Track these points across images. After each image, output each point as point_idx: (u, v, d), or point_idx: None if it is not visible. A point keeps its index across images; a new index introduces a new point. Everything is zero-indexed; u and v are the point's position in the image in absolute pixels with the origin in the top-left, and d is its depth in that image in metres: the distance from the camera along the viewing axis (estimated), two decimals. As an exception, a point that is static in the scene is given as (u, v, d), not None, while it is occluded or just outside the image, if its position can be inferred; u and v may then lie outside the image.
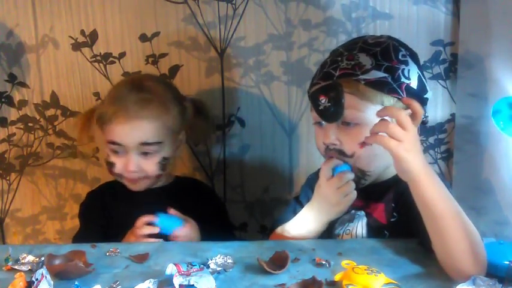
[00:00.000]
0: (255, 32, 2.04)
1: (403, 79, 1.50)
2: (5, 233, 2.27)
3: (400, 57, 1.52)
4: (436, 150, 2.05)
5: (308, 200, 1.66)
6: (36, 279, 1.23)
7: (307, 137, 2.08)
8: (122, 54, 2.08)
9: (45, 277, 1.24)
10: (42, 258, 1.40)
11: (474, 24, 1.87)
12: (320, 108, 1.53)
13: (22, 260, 1.44)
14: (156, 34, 2.06)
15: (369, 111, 1.49)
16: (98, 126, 1.84)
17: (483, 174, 1.93)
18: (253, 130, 2.11)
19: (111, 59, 2.09)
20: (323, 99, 1.51)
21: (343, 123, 1.53)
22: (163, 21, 2.05)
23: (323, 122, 1.56)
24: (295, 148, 2.11)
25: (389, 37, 1.60)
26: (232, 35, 2.04)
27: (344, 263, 1.35)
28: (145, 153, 1.78)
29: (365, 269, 1.27)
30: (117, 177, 1.85)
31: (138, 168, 1.78)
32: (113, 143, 1.78)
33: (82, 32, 2.07)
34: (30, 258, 1.44)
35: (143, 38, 2.06)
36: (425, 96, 1.56)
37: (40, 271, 1.25)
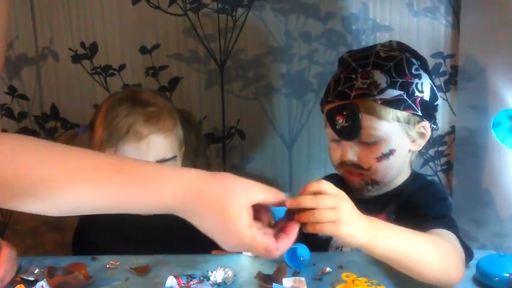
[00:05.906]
0: (255, 44, 2.04)
1: (417, 93, 1.51)
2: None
3: (413, 71, 1.53)
4: (436, 162, 2.05)
5: None
6: (36, 292, 1.24)
7: (308, 149, 2.08)
8: (122, 67, 2.08)
9: (45, 289, 1.24)
10: (42, 271, 1.40)
11: (474, 36, 1.88)
12: (337, 127, 1.53)
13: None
14: (156, 46, 2.06)
15: (385, 128, 1.50)
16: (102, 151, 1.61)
17: (483, 186, 1.93)
18: (253, 142, 2.11)
19: (111, 71, 2.09)
20: (340, 119, 1.52)
21: (360, 141, 1.53)
22: (163, 34, 2.05)
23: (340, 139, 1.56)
24: (295, 160, 2.11)
25: (400, 46, 1.60)
26: (232, 47, 2.04)
27: (344, 275, 1.34)
28: None
29: (365, 281, 1.26)
30: None
31: None
32: None
33: (82, 44, 2.07)
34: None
35: (143, 50, 2.06)
36: (436, 103, 1.58)
37: (40, 283, 1.25)
